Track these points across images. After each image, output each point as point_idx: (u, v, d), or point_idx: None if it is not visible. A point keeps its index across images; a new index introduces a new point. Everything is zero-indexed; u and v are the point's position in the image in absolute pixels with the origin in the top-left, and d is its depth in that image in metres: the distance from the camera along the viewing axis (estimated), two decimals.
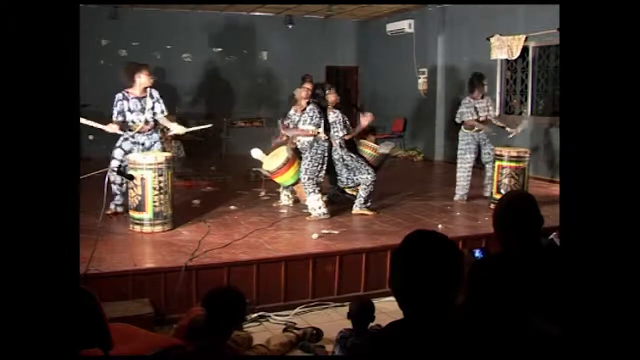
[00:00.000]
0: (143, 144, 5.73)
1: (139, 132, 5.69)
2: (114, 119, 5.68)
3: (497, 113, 6.89)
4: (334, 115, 6.06)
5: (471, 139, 6.82)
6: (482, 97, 6.84)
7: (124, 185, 5.68)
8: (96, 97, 8.85)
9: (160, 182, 5.20)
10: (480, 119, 6.79)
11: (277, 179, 6.32)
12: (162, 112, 5.78)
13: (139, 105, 5.68)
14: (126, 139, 5.70)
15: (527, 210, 2.22)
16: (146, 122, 5.70)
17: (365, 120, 6.19)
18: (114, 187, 5.73)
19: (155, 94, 5.77)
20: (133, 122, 5.68)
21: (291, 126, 6.20)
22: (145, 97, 5.70)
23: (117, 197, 5.81)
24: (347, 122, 6.18)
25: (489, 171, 6.79)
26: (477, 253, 3.12)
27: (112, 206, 5.79)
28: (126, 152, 5.64)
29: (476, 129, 6.77)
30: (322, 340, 3.91)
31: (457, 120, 6.92)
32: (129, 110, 5.67)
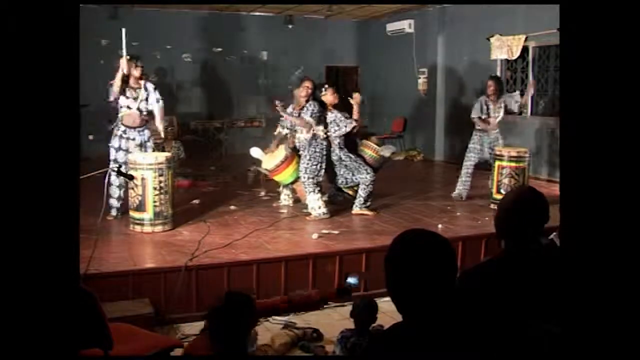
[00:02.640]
0: (134, 139, 5.69)
1: (130, 126, 5.67)
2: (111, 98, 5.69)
3: (501, 115, 6.90)
4: (332, 115, 6.02)
5: (477, 139, 6.91)
6: (497, 99, 6.84)
7: (122, 190, 5.69)
8: (96, 97, 8.86)
9: (160, 182, 5.20)
10: (485, 117, 6.81)
11: (277, 177, 6.32)
12: (157, 100, 5.76)
13: (133, 93, 5.69)
14: (116, 136, 5.69)
15: (539, 209, 2.17)
16: (139, 111, 5.69)
17: (354, 100, 6.13)
18: (113, 191, 5.70)
19: (150, 86, 5.78)
20: (129, 107, 5.67)
21: (288, 125, 6.19)
22: (139, 88, 5.72)
23: (115, 202, 5.77)
24: (347, 118, 6.07)
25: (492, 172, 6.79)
26: (351, 279, 3.13)
27: (113, 212, 5.77)
28: (117, 150, 5.65)
29: (482, 128, 6.79)
30: (322, 340, 3.91)
31: (471, 116, 7.00)
32: (125, 95, 5.67)
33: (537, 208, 2.17)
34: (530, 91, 7.69)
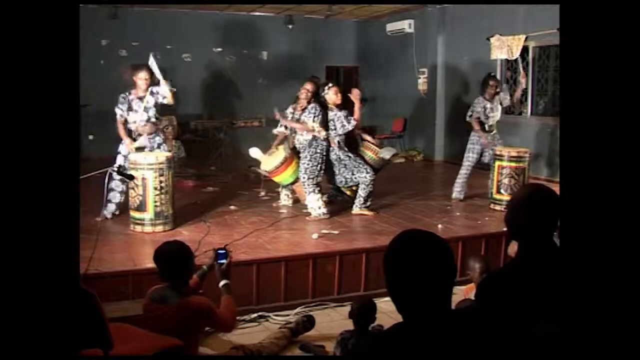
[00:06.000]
0: (144, 148, 5.64)
1: (140, 133, 5.64)
2: (118, 118, 5.67)
3: (498, 115, 6.87)
4: (332, 114, 6.01)
5: (476, 139, 6.85)
6: (493, 98, 6.83)
7: (122, 193, 5.65)
8: (96, 97, 8.87)
9: (161, 182, 5.20)
10: (489, 121, 6.78)
11: (276, 178, 6.31)
12: (165, 97, 5.62)
13: (140, 105, 5.62)
14: (124, 143, 5.65)
15: (554, 206, 2.03)
16: (148, 120, 5.63)
17: (354, 96, 6.12)
18: (111, 194, 5.65)
19: (155, 88, 5.65)
20: (135, 122, 5.62)
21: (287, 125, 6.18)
22: (144, 95, 5.63)
23: (110, 204, 5.70)
24: (349, 117, 6.05)
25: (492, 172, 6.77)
26: (220, 255, 3.29)
27: (106, 213, 5.65)
28: (125, 157, 5.57)
29: (478, 129, 6.78)
30: (318, 337, 3.91)
31: (467, 118, 6.93)
32: (130, 109, 5.61)
33: (553, 205, 2.03)
34: (522, 84, 7.36)
